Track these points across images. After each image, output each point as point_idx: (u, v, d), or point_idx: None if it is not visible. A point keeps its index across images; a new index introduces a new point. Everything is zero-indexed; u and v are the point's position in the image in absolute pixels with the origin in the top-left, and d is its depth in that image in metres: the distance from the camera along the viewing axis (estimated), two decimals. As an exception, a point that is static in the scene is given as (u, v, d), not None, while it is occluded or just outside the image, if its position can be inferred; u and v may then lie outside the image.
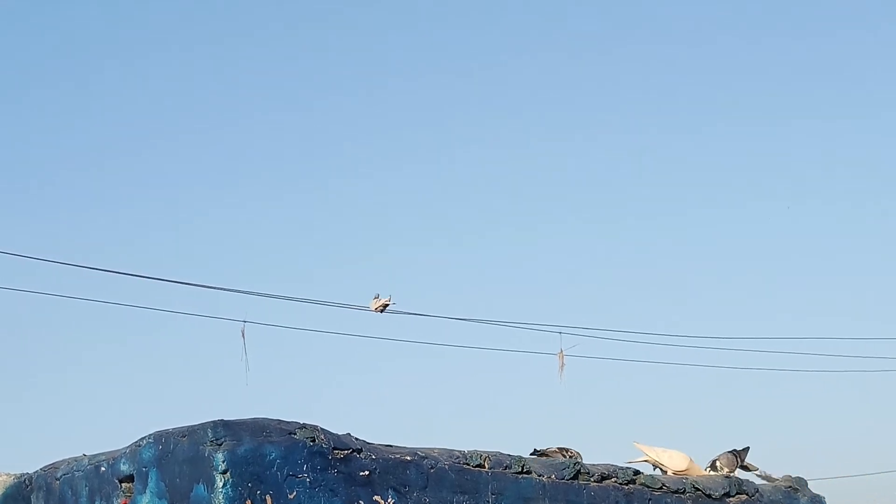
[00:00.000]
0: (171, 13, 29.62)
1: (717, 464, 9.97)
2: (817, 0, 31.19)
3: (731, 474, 9.86)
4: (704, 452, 10.27)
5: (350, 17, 30.42)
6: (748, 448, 10.11)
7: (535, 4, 30.62)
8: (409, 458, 7.73)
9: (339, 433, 7.51)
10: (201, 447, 7.01)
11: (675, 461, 9.71)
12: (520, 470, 8.27)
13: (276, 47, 30.54)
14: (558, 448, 9.39)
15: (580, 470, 8.63)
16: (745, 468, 10.10)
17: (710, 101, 31.41)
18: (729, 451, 9.99)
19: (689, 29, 31.15)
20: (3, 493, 8.54)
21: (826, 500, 10.58)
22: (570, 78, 31.18)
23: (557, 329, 13.88)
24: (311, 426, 7.33)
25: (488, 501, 8.02)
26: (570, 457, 9.06)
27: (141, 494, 7.38)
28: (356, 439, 7.58)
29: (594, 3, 31.26)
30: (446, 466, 7.88)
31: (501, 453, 8.28)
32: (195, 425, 7.12)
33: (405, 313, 12.99)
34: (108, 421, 24.15)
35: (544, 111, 31.09)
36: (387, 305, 12.73)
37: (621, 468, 9.06)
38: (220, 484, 6.89)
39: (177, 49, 29.96)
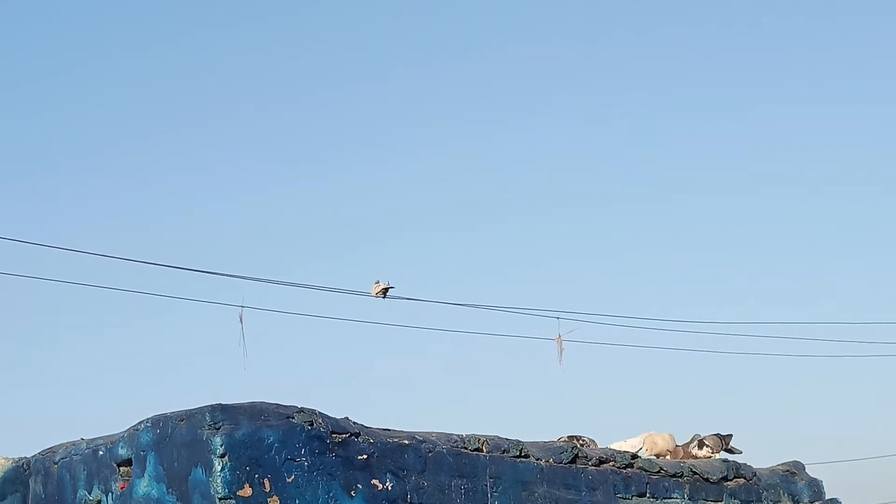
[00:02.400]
0: (177, 10, 29.65)
1: (706, 442, 10.02)
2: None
3: (721, 456, 9.94)
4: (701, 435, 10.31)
5: (352, 11, 30.43)
6: (731, 435, 10.21)
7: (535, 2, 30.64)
8: (407, 442, 7.74)
9: (338, 417, 7.52)
10: (199, 431, 7.01)
11: (659, 444, 9.82)
12: (517, 454, 8.27)
13: (275, 41, 30.55)
14: (570, 437, 9.38)
15: (578, 454, 8.64)
16: (730, 451, 10.18)
17: (709, 93, 31.41)
18: (714, 434, 10.07)
19: (683, 23, 31.14)
20: (1, 477, 8.55)
21: (824, 484, 10.61)
22: (569, 70, 31.18)
23: (555, 314, 13.86)
24: (309, 410, 7.34)
25: (486, 485, 8.02)
26: (583, 445, 9.05)
27: (139, 478, 7.38)
28: (354, 423, 7.59)
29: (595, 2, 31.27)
30: (444, 450, 7.89)
31: (499, 437, 8.28)
32: (193, 409, 7.12)
33: (405, 298, 12.96)
34: (106, 405, 24.20)
35: (541, 101, 31.11)
36: (387, 290, 12.71)
37: (619, 452, 9.07)
38: (219, 468, 6.90)
39: (179, 43, 29.98)
